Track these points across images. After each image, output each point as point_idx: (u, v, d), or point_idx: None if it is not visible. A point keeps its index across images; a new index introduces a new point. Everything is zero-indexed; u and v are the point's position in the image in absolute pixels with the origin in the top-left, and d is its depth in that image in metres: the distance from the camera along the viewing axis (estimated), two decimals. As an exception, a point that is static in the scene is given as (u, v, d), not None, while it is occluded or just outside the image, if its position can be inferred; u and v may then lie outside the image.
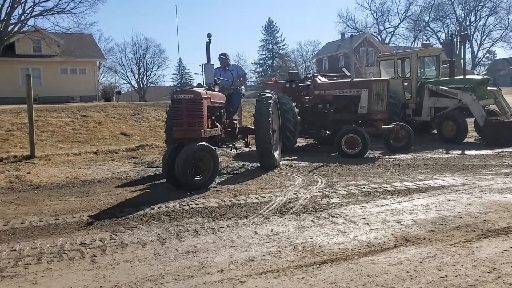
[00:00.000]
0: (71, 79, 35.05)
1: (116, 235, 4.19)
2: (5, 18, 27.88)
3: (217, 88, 7.46)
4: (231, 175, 7.62)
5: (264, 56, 72.19)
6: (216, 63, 8.27)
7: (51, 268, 3.42)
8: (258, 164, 8.25)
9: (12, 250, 3.85)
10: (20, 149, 10.70)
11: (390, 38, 64.26)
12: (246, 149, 9.80)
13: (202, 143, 6.40)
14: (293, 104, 10.64)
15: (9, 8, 27.87)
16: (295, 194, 5.77)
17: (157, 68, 69.34)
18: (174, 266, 3.37)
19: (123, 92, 63.85)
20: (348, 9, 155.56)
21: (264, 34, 71.95)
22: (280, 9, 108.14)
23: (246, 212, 4.91)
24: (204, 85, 7.37)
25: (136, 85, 67.48)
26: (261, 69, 71.81)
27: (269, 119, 7.74)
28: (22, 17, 28.70)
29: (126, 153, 10.45)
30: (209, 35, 7.60)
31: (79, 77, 35.70)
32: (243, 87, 8.84)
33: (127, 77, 67.04)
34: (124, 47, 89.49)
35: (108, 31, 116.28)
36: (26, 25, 29.58)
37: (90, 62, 36.46)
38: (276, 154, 8.29)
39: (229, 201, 5.46)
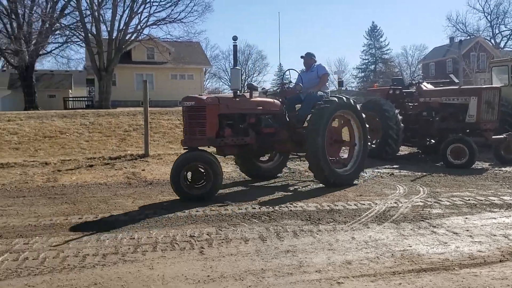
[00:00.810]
0: (180, 85, 37.31)
1: (221, 230, 4.51)
2: (124, 28, 30.52)
3: (256, 93, 7.11)
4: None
5: (366, 61, 70.67)
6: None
7: (165, 256, 3.81)
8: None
9: (131, 238, 4.33)
10: (135, 148, 11.70)
11: (506, 42, 59.40)
12: None
13: (201, 151, 6.16)
14: (396, 111, 10.41)
15: (127, 18, 30.49)
16: (395, 202, 5.71)
17: (258, 74, 71.26)
18: (275, 263, 3.58)
19: (225, 97, 66.42)
20: (458, 12, 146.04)
21: (367, 39, 70.46)
22: (384, 13, 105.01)
23: (345, 217, 4.99)
24: (237, 89, 6.72)
25: (238, 91, 69.90)
26: (363, 74, 70.39)
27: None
28: (138, 27, 31.22)
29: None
30: (234, 38, 6.74)
31: (187, 83, 37.87)
32: (322, 90, 7.69)
33: (230, 82, 69.76)
34: (228, 54, 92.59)
35: (214, 39, 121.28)
36: (142, 34, 32.14)
37: (197, 69, 38.62)
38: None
39: (328, 206, 5.56)
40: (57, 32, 32.50)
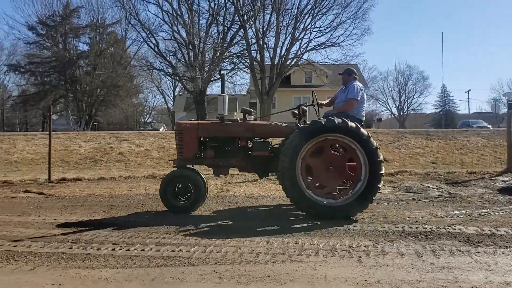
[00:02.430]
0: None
1: (378, 244, 4.83)
2: (285, 54, 32.42)
3: (251, 117, 7.19)
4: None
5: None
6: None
7: (326, 260, 4.29)
8: None
9: (296, 243, 4.90)
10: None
11: None
12: None
13: (183, 169, 6.89)
14: None
15: (288, 45, 32.35)
16: None
17: (419, 95, 68.30)
18: (429, 276, 3.79)
19: (383, 119, 65.14)
20: None
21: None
22: None
23: (507, 242, 4.88)
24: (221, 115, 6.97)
25: (396, 113, 67.95)
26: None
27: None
28: (298, 52, 32.85)
29: (385, 177, 11.05)
30: (221, 74, 7.99)
31: (343, 105, 38.30)
32: (346, 113, 6.78)
33: (388, 104, 68.04)
34: (387, 75, 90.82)
35: (372, 60, 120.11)
36: (301, 59, 33.68)
37: (353, 91, 38.77)
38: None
39: (489, 230, 5.44)
40: (226, 60, 35.90)
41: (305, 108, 7.21)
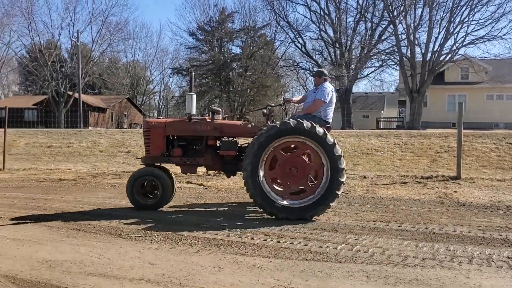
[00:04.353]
0: (496, 106, 34.59)
1: (542, 258, 4.41)
2: (438, 49, 30.44)
3: (218, 116, 7.17)
4: None
5: None
6: None
7: (481, 269, 4.07)
8: None
9: (447, 249, 4.72)
10: (446, 170, 11.81)
11: None
12: None
13: (152, 167, 7.03)
14: None
15: (442, 40, 30.30)
16: None
17: None
18: None
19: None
20: None
21: None
22: None
23: None
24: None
25: None
26: None
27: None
28: (454, 47, 30.56)
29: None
30: (189, 70, 7.83)
31: (505, 104, 34.73)
32: (312, 114, 6.77)
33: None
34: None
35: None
36: (457, 54, 31.30)
37: (519, 88, 34.89)
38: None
39: None
40: (374, 57, 35.11)
41: (271, 108, 7.25)
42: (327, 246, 4.84)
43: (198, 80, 47.09)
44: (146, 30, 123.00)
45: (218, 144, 7.13)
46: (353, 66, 35.35)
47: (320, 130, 6.07)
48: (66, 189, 9.52)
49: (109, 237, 5.27)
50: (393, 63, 34.42)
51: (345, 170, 6.22)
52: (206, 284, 3.72)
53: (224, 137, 7.11)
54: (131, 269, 4.10)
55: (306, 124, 6.06)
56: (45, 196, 8.39)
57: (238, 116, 45.29)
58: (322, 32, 37.39)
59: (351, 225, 5.88)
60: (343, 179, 6.11)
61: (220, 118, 7.33)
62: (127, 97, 58.22)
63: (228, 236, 5.28)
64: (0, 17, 46.10)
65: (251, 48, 45.83)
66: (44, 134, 21.24)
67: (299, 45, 39.89)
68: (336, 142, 6.13)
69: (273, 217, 6.18)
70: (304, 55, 40.75)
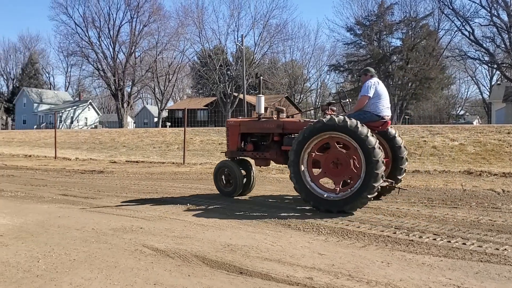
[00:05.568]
0: None
1: None
2: None
3: (283, 115, 7.90)
4: None
5: None
6: None
7: None
8: None
9: None
10: None
11: None
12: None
13: (228, 161, 8.15)
14: None
15: None
16: None
17: None
18: None
19: None
20: None
21: None
22: None
23: None
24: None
25: None
26: None
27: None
28: None
29: None
30: (258, 75, 7.00)
31: None
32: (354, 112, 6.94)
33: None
34: None
35: None
36: None
37: None
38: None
39: None
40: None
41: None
42: (505, 249, 4.52)
43: (355, 75, 46.59)
44: (304, 29, 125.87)
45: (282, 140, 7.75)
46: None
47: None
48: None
49: (279, 227, 5.68)
50: None
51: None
52: (375, 277, 3.81)
53: (288, 134, 7.65)
54: (302, 258, 4.39)
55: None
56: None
57: (398, 110, 43.61)
58: (494, 17, 33.86)
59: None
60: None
61: (285, 116, 8.02)
62: (285, 95, 60.29)
63: (394, 233, 5.26)
64: (176, 28, 51.77)
65: (413, 39, 43.70)
66: (215, 132, 23.39)
67: (466, 33, 36.91)
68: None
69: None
70: (473, 44, 37.47)
